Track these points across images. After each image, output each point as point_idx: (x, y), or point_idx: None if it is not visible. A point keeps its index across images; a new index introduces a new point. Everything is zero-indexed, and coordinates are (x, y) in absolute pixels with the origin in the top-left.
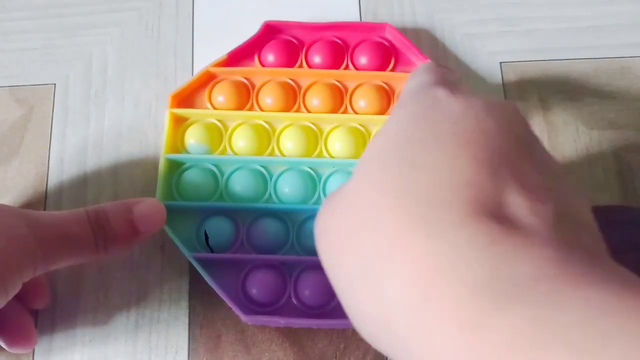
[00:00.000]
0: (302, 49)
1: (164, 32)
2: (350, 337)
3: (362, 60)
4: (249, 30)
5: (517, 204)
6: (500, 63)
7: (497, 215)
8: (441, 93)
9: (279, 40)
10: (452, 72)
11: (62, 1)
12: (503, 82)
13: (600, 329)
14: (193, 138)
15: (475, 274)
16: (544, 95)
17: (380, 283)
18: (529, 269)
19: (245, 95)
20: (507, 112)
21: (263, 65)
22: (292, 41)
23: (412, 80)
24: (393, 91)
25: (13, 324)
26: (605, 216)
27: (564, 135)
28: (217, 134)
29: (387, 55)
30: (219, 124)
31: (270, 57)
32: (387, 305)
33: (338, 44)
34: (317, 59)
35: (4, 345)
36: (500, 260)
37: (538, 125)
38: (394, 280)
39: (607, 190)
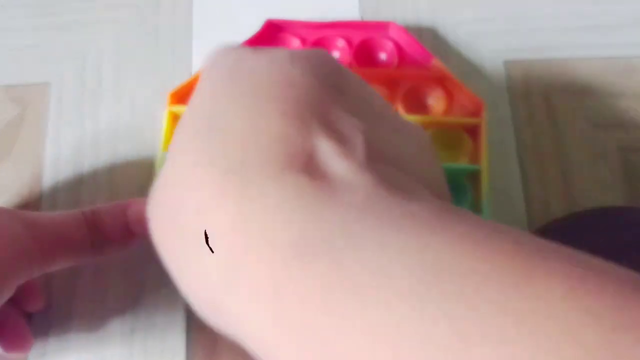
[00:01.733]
0: (304, 48)
1: (162, 29)
2: None
3: (366, 58)
4: (249, 25)
5: (326, 150)
6: (505, 61)
7: (308, 167)
8: (241, 52)
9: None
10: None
11: None
12: (507, 80)
13: (380, 269)
14: None
15: (283, 235)
16: (548, 94)
17: (202, 262)
18: (331, 218)
19: None
20: (313, 59)
21: None
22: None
23: (208, 56)
24: (398, 90)
25: (8, 328)
26: (611, 217)
27: (568, 135)
28: None
29: (392, 54)
30: None
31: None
32: (212, 285)
33: (341, 43)
34: None
35: None
36: (306, 214)
37: (543, 124)
38: (212, 256)
39: (612, 191)
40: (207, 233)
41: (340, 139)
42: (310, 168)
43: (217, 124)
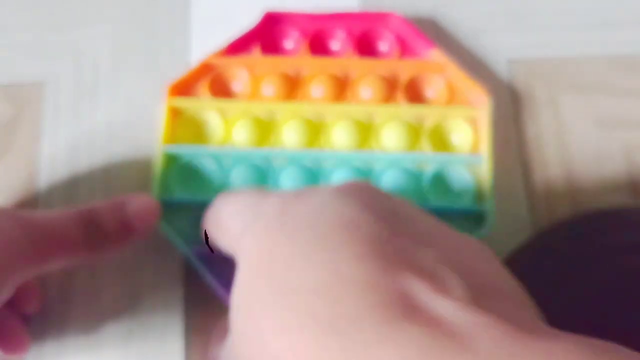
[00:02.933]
0: (305, 39)
1: (158, 26)
2: None
3: (367, 49)
4: (247, 20)
5: (420, 290)
6: (508, 59)
7: (409, 312)
8: (280, 200)
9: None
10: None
11: None
12: (510, 78)
13: None
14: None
15: None
16: (553, 92)
17: None
18: None
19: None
20: (359, 192)
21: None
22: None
23: (228, 208)
24: (399, 80)
25: (5, 330)
26: (616, 217)
27: (573, 133)
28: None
29: (393, 45)
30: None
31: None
32: None
33: (342, 34)
34: (319, 50)
35: None
36: None
37: (547, 123)
38: None
39: (617, 191)
40: None
41: (427, 275)
42: (413, 314)
43: (287, 283)
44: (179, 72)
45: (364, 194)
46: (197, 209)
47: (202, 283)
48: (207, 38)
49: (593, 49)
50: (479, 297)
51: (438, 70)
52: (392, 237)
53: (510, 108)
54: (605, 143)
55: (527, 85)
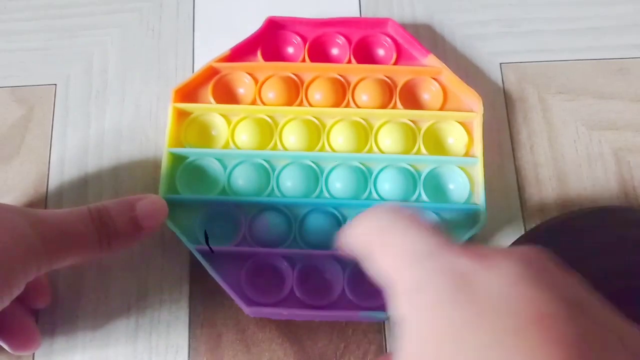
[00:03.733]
0: (305, 44)
1: (165, 32)
2: (350, 336)
3: (365, 55)
4: (250, 30)
5: None
6: (500, 64)
7: None
8: (458, 264)
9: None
10: (426, 218)
11: (63, 2)
12: (503, 83)
13: None
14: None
15: None
16: (543, 95)
17: None
18: None
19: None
20: (547, 272)
21: (266, 61)
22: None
23: (393, 240)
24: (395, 85)
25: (16, 326)
26: (604, 216)
27: (564, 136)
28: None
29: (390, 50)
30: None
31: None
32: None
33: (341, 40)
34: (319, 55)
35: (7, 348)
36: None
37: (538, 126)
38: None
39: (607, 191)
40: None
41: None
42: None
43: None
44: (183, 76)
45: (549, 275)
46: (201, 208)
47: (207, 280)
48: (210, 43)
49: (582, 54)
50: None
51: (433, 75)
52: (585, 335)
53: (502, 111)
54: (595, 144)
55: (519, 88)
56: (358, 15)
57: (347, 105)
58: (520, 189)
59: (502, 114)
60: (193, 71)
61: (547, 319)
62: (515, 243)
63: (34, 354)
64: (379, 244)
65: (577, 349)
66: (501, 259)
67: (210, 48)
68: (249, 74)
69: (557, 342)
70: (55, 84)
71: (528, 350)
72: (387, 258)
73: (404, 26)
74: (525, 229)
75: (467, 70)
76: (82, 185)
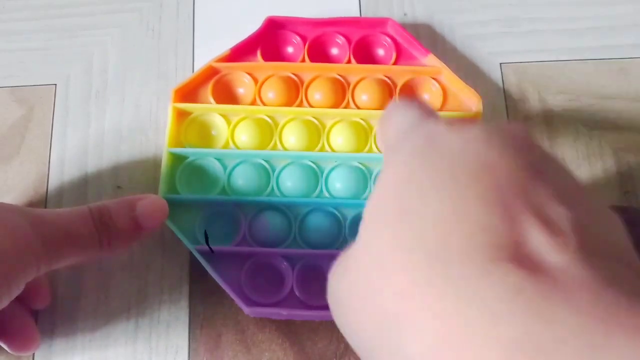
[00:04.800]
0: (305, 44)
1: (165, 32)
2: None
3: (364, 55)
4: (250, 30)
5: (538, 241)
6: (500, 64)
7: (519, 258)
8: (433, 128)
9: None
10: (429, 105)
11: (63, 2)
12: (503, 83)
13: None
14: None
15: (502, 332)
16: (544, 96)
17: (402, 350)
18: (563, 321)
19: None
20: (511, 138)
21: (265, 60)
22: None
23: (394, 119)
24: (395, 85)
25: (15, 326)
26: None
27: (564, 136)
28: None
29: (389, 50)
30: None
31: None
32: None
33: (340, 39)
34: (319, 55)
35: (7, 348)
36: (530, 312)
37: (538, 126)
38: (417, 346)
39: (607, 191)
40: (410, 320)
41: (551, 228)
42: (521, 259)
43: (413, 207)
44: (183, 76)
45: (513, 140)
46: (201, 208)
47: (207, 280)
48: (210, 43)
49: (582, 54)
50: (594, 256)
51: (433, 75)
52: (524, 186)
53: (502, 111)
54: (595, 144)
55: (519, 88)
56: (358, 15)
57: (347, 106)
58: None
59: (502, 114)
60: (193, 71)
61: (488, 167)
62: None
63: (33, 354)
64: (385, 126)
65: (507, 193)
66: (471, 126)
67: (210, 48)
68: (249, 73)
69: (491, 186)
70: (55, 84)
71: (461, 190)
72: (388, 133)
73: (403, 26)
74: None
75: (467, 70)
76: (82, 185)
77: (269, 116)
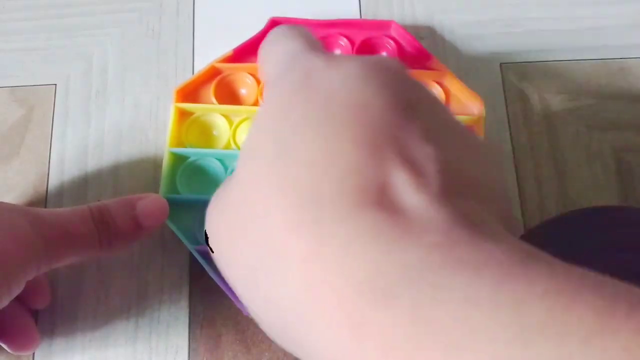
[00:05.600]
0: None
1: (165, 32)
2: None
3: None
4: (250, 30)
5: (401, 181)
6: (500, 64)
7: (382, 201)
8: (312, 63)
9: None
10: (312, 35)
11: (63, 1)
12: (503, 83)
13: (471, 323)
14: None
15: (358, 271)
16: (544, 96)
17: (274, 288)
18: (410, 259)
19: None
20: (388, 75)
21: None
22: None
23: (275, 48)
24: None
25: (15, 326)
26: (605, 216)
27: (564, 136)
28: None
29: (393, 53)
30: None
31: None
32: (283, 310)
33: (344, 41)
34: None
35: (6, 348)
36: (383, 252)
37: (538, 126)
38: (286, 286)
39: (607, 190)
40: (280, 258)
41: (415, 169)
42: (384, 202)
43: (288, 147)
44: (183, 76)
45: (390, 76)
46: (201, 209)
47: (206, 280)
48: (210, 43)
49: (582, 54)
50: (455, 197)
51: (436, 79)
52: (394, 127)
53: (502, 111)
54: (595, 144)
55: (520, 88)
56: (358, 15)
57: None
58: (520, 188)
59: (502, 114)
60: (193, 71)
61: (360, 106)
62: None
63: (33, 354)
64: (265, 55)
65: (376, 134)
66: (347, 61)
67: (210, 48)
68: (251, 74)
69: (361, 126)
70: (55, 84)
71: (332, 130)
72: (268, 64)
73: (403, 25)
74: (525, 228)
75: (467, 71)
76: (82, 185)
77: None
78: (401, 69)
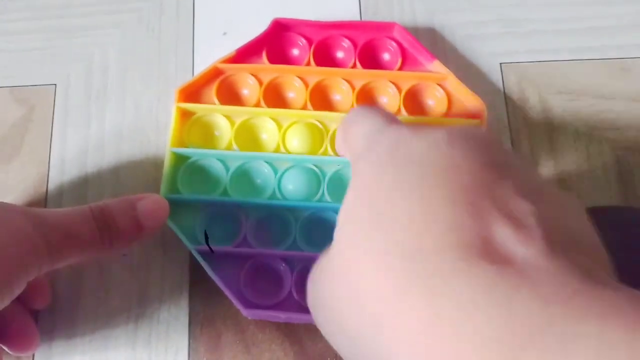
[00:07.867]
0: (310, 47)
1: (165, 33)
2: None
3: (370, 59)
4: (250, 31)
5: (505, 235)
6: (501, 64)
7: (487, 254)
8: (399, 134)
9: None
10: (389, 111)
11: (63, 2)
12: (503, 83)
13: None
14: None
15: (478, 326)
16: (544, 96)
17: (383, 351)
18: (532, 310)
19: None
20: (473, 139)
21: (271, 62)
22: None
23: (358, 125)
24: (400, 90)
25: (15, 326)
26: (605, 217)
27: (564, 136)
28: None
29: (395, 55)
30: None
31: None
32: None
33: (346, 43)
34: (324, 57)
35: (6, 349)
36: (500, 306)
37: (538, 126)
38: (398, 348)
39: (607, 191)
40: (388, 321)
41: (515, 224)
42: (492, 256)
43: (384, 211)
44: (184, 76)
45: (475, 140)
46: (202, 209)
47: (207, 280)
48: (210, 44)
49: (582, 54)
50: (560, 247)
51: (438, 81)
52: (489, 184)
53: (502, 111)
54: (595, 144)
55: (519, 89)
56: (358, 15)
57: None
58: None
59: (502, 114)
60: (193, 71)
61: (454, 167)
62: None
63: (33, 354)
64: (348, 132)
65: (473, 192)
66: (433, 129)
67: (210, 48)
68: (254, 75)
69: (457, 186)
70: (55, 84)
71: (429, 191)
72: (354, 140)
73: (404, 26)
74: None
75: (467, 71)
76: (82, 185)
77: (272, 118)
78: (486, 134)
